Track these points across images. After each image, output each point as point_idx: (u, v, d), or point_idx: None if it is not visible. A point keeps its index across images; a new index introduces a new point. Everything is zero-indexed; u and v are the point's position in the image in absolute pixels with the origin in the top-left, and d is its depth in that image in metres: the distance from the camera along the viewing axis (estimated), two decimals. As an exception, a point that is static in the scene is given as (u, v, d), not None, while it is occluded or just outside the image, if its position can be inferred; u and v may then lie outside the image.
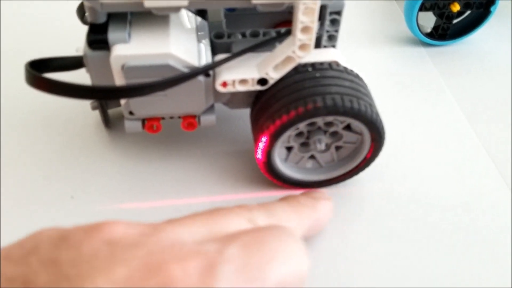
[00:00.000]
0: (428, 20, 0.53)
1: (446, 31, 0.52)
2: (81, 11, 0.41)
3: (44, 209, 0.36)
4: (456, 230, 0.36)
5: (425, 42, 0.53)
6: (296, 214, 0.31)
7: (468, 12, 0.52)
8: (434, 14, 0.51)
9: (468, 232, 0.36)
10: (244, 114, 0.44)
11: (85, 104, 0.43)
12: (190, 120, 0.37)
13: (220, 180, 0.39)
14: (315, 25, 0.30)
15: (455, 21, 0.52)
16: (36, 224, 0.35)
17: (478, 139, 0.43)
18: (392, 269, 0.34)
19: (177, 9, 0.30)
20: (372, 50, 0.52)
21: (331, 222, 0.36)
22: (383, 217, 0.37)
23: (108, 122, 0.41)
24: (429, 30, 0.53)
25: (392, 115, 0.45)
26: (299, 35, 0.31)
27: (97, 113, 0.43)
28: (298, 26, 0.30)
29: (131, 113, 0.35)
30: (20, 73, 0.46)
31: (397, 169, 0.40)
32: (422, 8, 0.49)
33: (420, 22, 0.51)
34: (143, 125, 0.36)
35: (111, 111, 0.42)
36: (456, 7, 0.49)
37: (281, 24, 0.42)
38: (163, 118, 0.37)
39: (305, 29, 0.31)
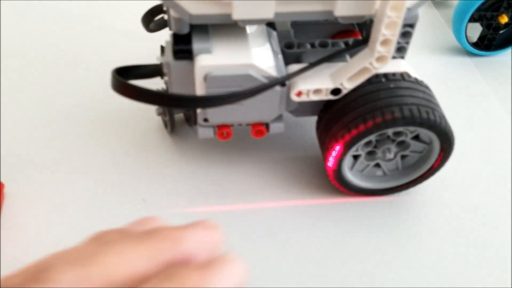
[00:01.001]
0: (474, 30, 0.54)
1: (492, 41, 0.53)
2: (146, 20, 0.42)
3: (117, 212, 0.37)
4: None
5: (470, 52, 0.54)
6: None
7: (514, 24, 0.53)
8: (482, 25, 0.52)
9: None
10: (304, 120, 0.45)
11: (147, 110, 0.44)
12: (260, 128, 0.37)
13: (285, 186, 0.40)
14: (395, 39, 0.31)
15: (501, 31, 0.53)
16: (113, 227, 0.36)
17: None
18: (453, 274, 0.35)
19: (262, 21, 0.31)
20: (418, 59, 0.53)
21: (391, 230, 0.37)
22: (442, 226, 0.38)
23: (174, 127, 0.42)
24: (475, 40, 0.53)
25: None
26: (378, 47, 0.32)
27: (158, 118, 0.44)
28: (379, 38, 0.31)
29: (205, 120, 0.36)
30: (84, 80, 0.48)
31: (453, 179, 0.41)
32: (471, 19, 0.50)
33: (468, 32, 0.52)
34: (215, 132, 0.37)
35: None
36: (504, 19, 0.50)
37: (339, 33, 0.43)
38: (233, 125, 0.38)
39: (385, 42, 0.32)
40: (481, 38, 0.53)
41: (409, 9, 0.32)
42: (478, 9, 0.50)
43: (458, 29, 0.51)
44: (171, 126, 0.42)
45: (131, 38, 0.53)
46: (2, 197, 0.38)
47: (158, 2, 0.42)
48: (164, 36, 0.46)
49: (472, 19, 0.50)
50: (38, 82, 0.48)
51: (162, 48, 0.39)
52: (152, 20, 0.41)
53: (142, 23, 0.42)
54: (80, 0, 0.60)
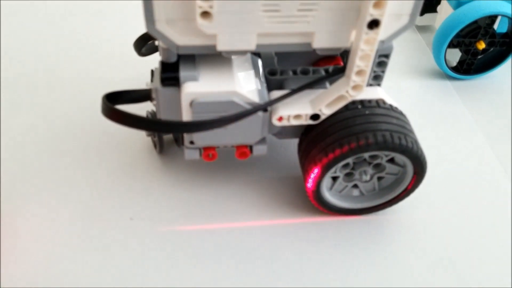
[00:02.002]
0: (453, 55, 0.56)
1: (471, 66, 0.55)
2: (139, 45, 0.44)
3: (105, 232, 0.39)
4: (490, 261, 0.39)
5: (450, 76, 0.56)
6: None
7: (491, 49, 0.55)
8: (460, 50, 0.54)
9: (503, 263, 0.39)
10: (286, 142, 0.47)
11: (137, 131, 0.46)
12: (244, 150, 0.39)
13: (268, 206, 0.42)
14: (369, 69, 0.34)
15: (479, 57, 0.55)
16: (101, 245, 0.38)
17: (503, 168, 0.46)
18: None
19: (244, 52, 0.33)
20: (400, 82, 0.56)
21: (368, 247, 0.39)
22: (418, 243, 0.40)
23: (163, 148, 0.44)
24: (454, 64, 0.56)
25: (422, 145, 0.48)
26: (353, 77, 0.34)
27: (147, 139, 0.46)
28: (353, 69, 0.33)
29: (191, 142, 0.38)
30: (75, 99, 0.50)
31: (429, 198, 0.43)
32: (450, 45, 0.52)
33: (447, 57, 0.54)
34: (201, 154, 0.39)
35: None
36: (481, 45, 0.53)
37: (321, 59, 0.45)
38: (218, 147, 0.40)
39: (360, 72, 0.34)
40: (460, 62, 0.55)
41: (382, 42, 0.34)
42: (457, 35, 0.52)
43: (437, 54, 0.54)
44: (160, 147, 0.44)
45: (124, 60, 0.55)
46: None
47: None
48: (156, 58, 0.48)
49: (451, 45, 0.53)
50: (30, 101, 0.50)
51: (152, 73, 0.41)
52: (144, 45, 0.43)
53: (134, 47, 0.44)
54: (77, 21, 0.62)
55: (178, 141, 0.43)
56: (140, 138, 0.46)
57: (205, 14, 0.30)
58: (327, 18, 0.32)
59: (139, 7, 0.64)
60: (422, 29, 0.63)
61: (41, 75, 0.53)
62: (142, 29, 0.44)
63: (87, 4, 0.65)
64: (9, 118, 0.48)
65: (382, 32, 0.33)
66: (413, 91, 0.55)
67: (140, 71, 0.52)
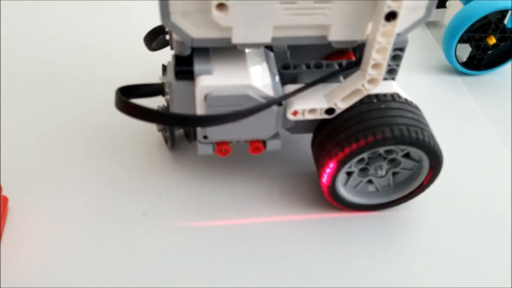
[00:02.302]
0: (463, 50, 0.56)
1: (481, 61, 0.55)
2: (149, 40, 0.43)
3: (118, 227, 0.39)
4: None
5: (460, 71, 0.56)
6: None
7: (502, 44, 0.55)
8: (471, 45, 0.54)
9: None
10: (299, 137, 0.46)
11: (148, 125, 0.45)
12: (257, 145, 0.39)
13: (281, 201, 0.41)
14: (385, 62, 0.33)
15: (489, 52, 0.55)
16: (113, 242, 0.38)
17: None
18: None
19: (260, 45, 0.33)
20: (410, 78, 0.55)
21: (383, 243, 0.38)
22: (432, 240, 0.39)
23: (174, 143, 0.43)
24: (464, 59, 0.55)
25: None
26: (370, 70, 0.34)
27: (158, 134, 0.46)
28: (370, 62, 0.33)
29: (205, 137, 0.38)
30: (87, 95, 0.49)
31: (442, 194, 0.43)
32: (461, 40, 0.52)
33: (458, 52, 0.54)
34: (214, 149, 0.39)
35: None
36: (492, 40, 0.52)
37: (333, 54, 0.45)
38: (231, 142, 0.39)
39: (376, 65, 0.33)
40: (471, 58, 0.55)
41: (398, 35, 0.34)
42: (467, 31, 0.52)
43: (448, 50, 0.53)
44: (171, 142, 0.43)
45: (134, 56, 0.55)
46: (5, 211, 0.39)
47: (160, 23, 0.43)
48: (165, 55, 0.48)
49: (462, 40, 0.52)
50: (41, 98, 0.50)
51: (164, 67, 0.41)
52: (154, 39, 0.43)
53: (145, 42, 0.44)
54: (85, 18, 0.61)
55: (190, 137, 0.43)
56: (151, 133, 0.46)
57: (221, 6, 0.30)
58: (344, 10, 0.31)
59: (144, 4, 0.64)
60: (431, 24, 0.63)
61: (52, 72, 0.53)
62: (149, 26, 0.44)
63: (93, 3, 0.65)
64: (21, 115, 0.47)
65: (398, 25, 0.32)
66: (423, 87, 0.54)
67: (146, 70, 0.52)
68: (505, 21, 0.53)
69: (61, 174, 0.42)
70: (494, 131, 0.49)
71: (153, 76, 0.52)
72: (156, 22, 0.43)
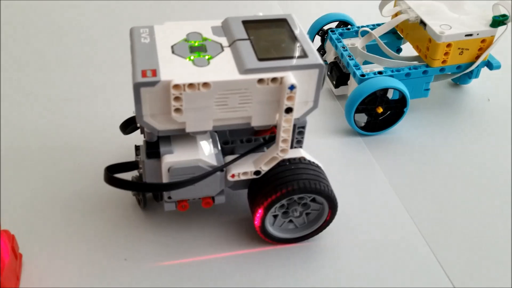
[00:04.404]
0: (362, 117, 0.74)
1: (375, 125, 0.73)
2: (124, 127, 0.58)
3: (104, 272, 0.51)
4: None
5: (360, 133, 0.73)
6: None
7: (388, 112, 0.73)
8: (366, 114, 0.72)
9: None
10: (241, 192, 0.61)
11: (123, 191, 0.59)
12: (208, 200, 0.53)
13: (228, 239, 0.56)
14: (290, 138, 0.49)
15: (380, 118, 0.73)
16: (101, 284, 0.51)
17: (405, 210, 0.62)
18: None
19: (205, 131, 0.48)
20: (322, 140, 0.71)
21: (304, 269, 0.53)
22: (340, 262, 0.55)
23: (146, 203, 0.57)
24: (363, 124, 0.73)
25: (340, 189, 0.63)
26: (280, 144, 0.50)
27: (133, 197, 0.59)
28: (280, 139, 0.49)
29: (169, 197, 0.52)
30: (58, 156, 0.63)
31: (347, 225, 0.58)
32: (357, 111, 0.70)
33: (356, 119, 0.72)
34: (176, 205, 0.53)
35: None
36: (380, 110, 0.70)
37: (259, 132, 0.61)
38: (189, 200, 0.54)
39: (284, 141, 0.49)
40: (367, 123, 0.73)
41: (298, 119, 0.50)
42: (361, 103, 0.70)
43: (349, 118, 0.71)
44: (144, 203, 0.57)
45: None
46: (21, 267, 0.51)
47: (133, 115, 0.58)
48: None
49: (358, 111, 0.70)
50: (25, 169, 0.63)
51: (136, 147, 0.56)
52: (128, 127, 0.57)
53: (120, 128, 0.58)
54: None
55: (157, 198, 0.57)
56: (127, 196, 0.59)
57: (177, 110, 0.45)
58: (260, 107, 0.47)
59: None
60: (339, 97, 0.81)
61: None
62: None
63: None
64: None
65: (295, 114, 0.49)
66: (332, 146, 0.71)
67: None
68: (389, 95, 0.72)
69: (49, 229, 0.55)
70: (384, 176, 0.66)
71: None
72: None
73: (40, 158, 0.65)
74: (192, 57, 0.46)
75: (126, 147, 0.66)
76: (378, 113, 0.71)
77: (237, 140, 0.54)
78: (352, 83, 0.74)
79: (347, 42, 0.79)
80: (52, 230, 0.55)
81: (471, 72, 0.76)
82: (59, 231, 0.55)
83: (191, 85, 0.44)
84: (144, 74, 0.44)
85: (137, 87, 0.43)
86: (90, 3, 1.01)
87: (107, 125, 0.71)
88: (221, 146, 0.53)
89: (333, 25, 0.86)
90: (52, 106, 0.74)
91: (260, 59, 0.45)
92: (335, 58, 0.79)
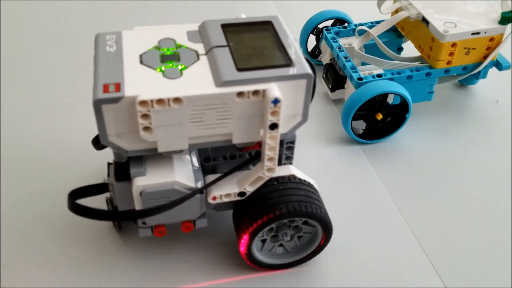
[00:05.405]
0: (360, 124, 0.68)
1: (374, 133, 0.67)
2: (96, 142, 0.53)
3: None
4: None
5: (358, 141, 0.68)
6: None
7: (389, 118, 0.67)
8: (364, 121, 0.66)
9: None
10: (225, 213, 0.56)
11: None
12: (188, 224, 0.48)
13: (211, 267, 0.51)
14: (276, 156, 0.44)
15: (380, 124, 0.67)
16: None
17: (403, 218, 0.57)
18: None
19: (180, 151, 0.43)
20: (316, 149, 0.66)
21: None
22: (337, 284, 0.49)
23: (121, 227, 0.52)
24: (361, 132, 0.68)
25: (336, 204, 0.58)
26: (266, 163, 0.44)
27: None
28: (265, 157, 0.44)
29: (144, 223, 0.46)
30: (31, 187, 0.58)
31: (344, 249, 0.53)
32: (354, 117, 0.64)
33: (354, 126, 0.66)
34: (152, 231, 0.48)
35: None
36: (379, 116, 0.65)
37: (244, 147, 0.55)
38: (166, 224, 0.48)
39: (270, 159, 0.44)
40: (366, 130, 0.67)
41: (286, 134, 0.45)
42: (359, 109, 0.64)
43: (346, 126, 0.65)
44: (119, 225, 0.52)
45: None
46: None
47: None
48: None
49: (355, 118, 0.65)
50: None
51: (109, 165, 0.50)
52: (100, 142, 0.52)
53: (92, 144, 0.53)
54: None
55: (120, 226, 0.52)
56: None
57: (146, 128, 0.40)
58: (240, 123, 0.42)
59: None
60: (336, 102, 0.75)
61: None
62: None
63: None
64: None
65: (282, 129, 0.43)
66: (328, 155, 0.66)
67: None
68: (389, 100, 0.66)
69: (25, 257, 0.50)
70: (384, 189, 0.61)
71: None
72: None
73: (11, 172, 0.60)
74: (163, 68, 0.41)
75: (102, 162, 0.61)
76: (378, 120, 0.66)
77: (220, 156, 0.49)
78: (350, 87, 0.69)
79: (343, 41, 0.73)
80: (14, 258, 0.50)
81: (478, 72, 0.70)
82: (23, 259, 0.50)
83: (160, 101, 0.38)
84: (106, 89, 0.38)
85: (97, 104, 0.38)
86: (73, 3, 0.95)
87: (83, 137, 0.66)
88: (201, 164, 0.48)
89: (329, 23, 0.80)
90: (31, 115, 0.69)
91: (239, 69, 0.40)
92: (330, 59, 0.73)
